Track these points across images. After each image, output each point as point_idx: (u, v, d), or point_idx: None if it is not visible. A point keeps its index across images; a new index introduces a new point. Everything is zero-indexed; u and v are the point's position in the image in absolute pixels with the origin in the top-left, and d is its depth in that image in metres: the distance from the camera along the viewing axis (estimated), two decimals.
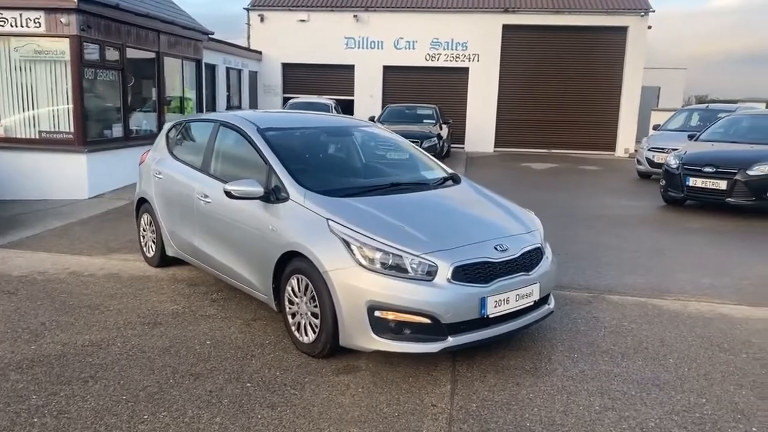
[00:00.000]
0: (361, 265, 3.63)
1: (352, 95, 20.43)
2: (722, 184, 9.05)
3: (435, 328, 3.60)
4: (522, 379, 3.75)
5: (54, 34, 9.71)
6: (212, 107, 17.07)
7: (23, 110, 10.09)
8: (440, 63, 20.13)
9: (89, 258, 6.39)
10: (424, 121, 16.16)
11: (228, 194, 4.31)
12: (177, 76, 13.90)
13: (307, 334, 3.97)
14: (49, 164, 9.89)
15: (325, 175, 4.59)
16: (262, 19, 20.42)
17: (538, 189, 12.30)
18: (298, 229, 4.02)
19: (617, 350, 4.23)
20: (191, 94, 14.49)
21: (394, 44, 20.12)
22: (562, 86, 20.03)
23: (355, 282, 3.61)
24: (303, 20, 20.13)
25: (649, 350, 4.24)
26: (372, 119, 16.53)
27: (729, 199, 9.03)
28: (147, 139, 11.42)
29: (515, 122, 20.38)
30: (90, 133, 10.26)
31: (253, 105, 19.99)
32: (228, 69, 17.92)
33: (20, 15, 9.60)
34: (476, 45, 19.86)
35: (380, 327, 3.60)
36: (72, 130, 9.99)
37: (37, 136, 10.06)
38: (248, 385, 3.61)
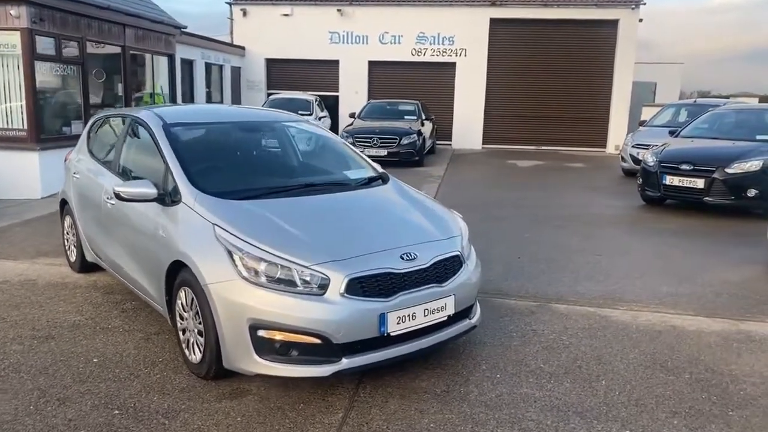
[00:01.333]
0: (243, 277, 3.22)
1: (337, 91, 19.99)
2: (700, 183, 8.59)
3: (326, 349, 3.19)
4: (427, 405, 3.34)
5: (4, 27, 9.33)
6: (191, 102, 16.68)
7: None
8: (426, 58, 19.67)
9: (14, 262, 6.01)
10: (406, 117, 15.72)
11: (117, 196, 3.92)
12: (147, 72, 13.53)
13: (194, 353, 3.58)
14: (2, 162, 9.52)
15: (228, 176, 4.18)
16: (244, 14, 20.00)
17: (516, 187, 11.87)
18: (185, 235, 3.62)
19: (546, 370, 3.81)
20: (164, 90, 14.11)
21: (380, 39, 19.67)
22: (552, 81, 19.55)
23: (237, 297, 3.21)
24: (286, 14, 19.69)
25: (582, 370, 3.82)
26: (353, 115, 16.12)
27: (707, 198, 8.57)
28: None
29: (503, 118, 19.92)
30: (45, 130, 9.89)
31: (236, 101, 19.58)
32: (207, 64, 17.52)
33: None
34: (463, 39, 19.39)
35: (264, 348, 3.20)
36: (25, 126, 9.62)
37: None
38: (116, 412, 3.21)
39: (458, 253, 3.73)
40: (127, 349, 4.01)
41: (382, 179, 4.60)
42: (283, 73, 20.43)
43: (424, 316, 3.41)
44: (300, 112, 16.41)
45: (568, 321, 4.65)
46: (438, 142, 18.68)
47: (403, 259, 3.41)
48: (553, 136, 19.78)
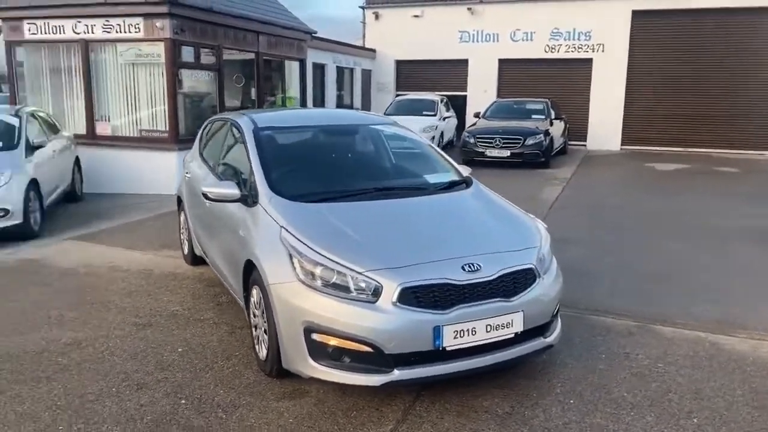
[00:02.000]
0: (300, 280, 3.25)
1: (466, 91, 19.75)
2: None
3: (378, 359, 3.13)
4: (484, 426, 3.15)
5: (151, 38, 10.30)
6: (321, 106, 17.35)
7: (127, 110, 10.85)
8: (560, 54, 18.79)
9: (139, 253, 6.60)
10: (533, 116, 15.12)
11: (205, 196, 4.14)
12: (279, 76, 14.28)
13: (262, 350, 3.68)
14: (147, 161, 10.52)
15: (305, 179, 4.25)
16: (377, 17, 20.42)
17: (649, 192, 10.94)
18: (257, 236, 3.73)
19: (629, 399, 3.44)
20: (296, 93, 14.80)
21: (511, 36, 19.13)
22: (702, 77, 17.76)
23: (294, 299, 3.24)
24: (417, 16, 19.81)
25: (671, 403, 3.40)
26: (477, 115, 15.84)
27: None
28: None
29: (646, 118, 18.45)
30: (183, 131, 10.78)
31: (366, 103, 20.07)
32: (339, 68, 18.12)
33: (123, 21, 10.28)
34: (601, 34, 18.26)
35: (318, 352, 3.20)
36: (166, 128, 10.56)
37: (138, 135, 10.76)
38: (183, 401, 3.39)
39: (531, 266, 3.48)
40: (211, 342, 4.22)
41: (465, 183, 4.43)
42: (412, 74, 20.59)
43: (487, 332, 3.22)
44: (424, 112, 16.49)
45: (670, 346, 4.17)
46: (571, 142, 17.80)
47: (464, 270, 3.25)
48: (704, 137, 17.98)
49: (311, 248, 3.31)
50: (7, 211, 6.75)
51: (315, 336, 3.18)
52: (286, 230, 3.49)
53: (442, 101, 17.30)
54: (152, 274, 5.83)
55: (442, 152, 4.89)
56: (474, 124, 15.22)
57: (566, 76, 18.92)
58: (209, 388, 3.54)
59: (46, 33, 10.83)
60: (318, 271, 3.22)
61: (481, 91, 19.22)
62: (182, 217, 6.19)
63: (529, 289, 3.41)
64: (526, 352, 3.45)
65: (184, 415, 3.24)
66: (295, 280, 3.26)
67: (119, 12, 10.21)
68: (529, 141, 13.67)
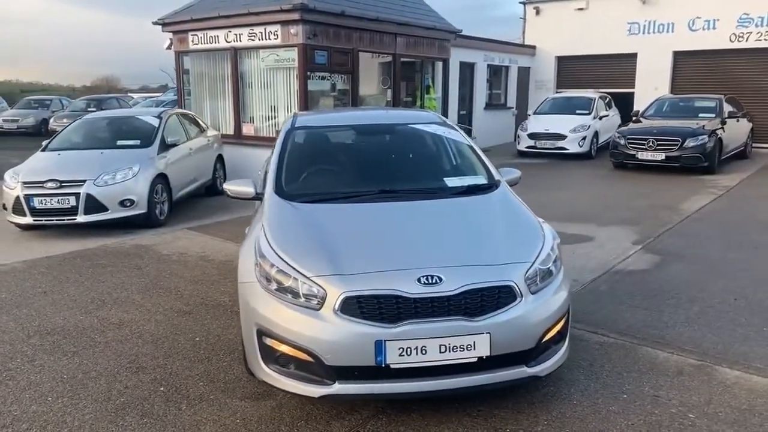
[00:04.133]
0: (259, 281, 3.22)
1: (632, 87, 17.99)
2: None
3: (319, 369, 2.98)
4: None
5: (287, 44, 10.95)
6: (469, 106, 17.06)
7: (268, 111, 11.69)
8: (749, 44, 16.26)
9: (233, 244, 7.04)
10: (701, 115, 13.31)
11: (225, 193, 4.29)
12: (419, 76, 14.31)
13: None
14: None
15: (315, 178, 4.20)
16: (537, 12, 19.47)
17: None
18: (248, 234, 3.77)
19: None
20: (438, 94, 14.73)
21: (689, 25, 17.00)
22: None
23: (251, 299, 3.22)
24: (581, 8, 18.51)
25: None
26: (636, 114, 14.39)
27: None
28: None
29: None
30: None
31: (521, 101, 19.25)
32: (491, 66, 17.62)
33: (264, 29, 11.08)
34: None
35: (269, 356, 3.14)
36: None
37: (275, 135, 11.51)
38: (161, 389, 3.55)
39: (510, 283, 3.06)
40: (228, 335, 4.37)
41: (492, 188, 4.04)
42: (573, 70, 19.31)
43: (440, 352, 2.90)
44: (578, 111, 15.46)
45: (723, 393, 3.40)
46: (759, 145, 15.41)
47: (420, 282, 2.95)
48: None
49: (273, 249, 3.26)
50: (132, 202, 7.63)
51: (266, 340, 3.12)
52: (263, 229, 3.48)
53: (602, 99, 16.02)
54: (230, 264, 6.19)
55: (481, 154, 4.50)
56: (627, 124, 13.85)
57: (756, 69, 16.36)
58: (192, 380, 3.66)
59: (205, 43, 12.08)
60: (273, 272, 3.16)
61: (652, 88, 17.37)
62: None
63: (502, 309, 3.00)
64: (497, 380, 3.05)
65: (151, 402, 3.39)
66: (255, 281, 3.24)
67: (261, 21, 11.01)
68: (689, 143, 12.06)
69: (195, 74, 12.81)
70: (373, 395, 2.99)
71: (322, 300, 2.98)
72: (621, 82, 18.22)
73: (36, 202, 7.30)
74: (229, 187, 4.24)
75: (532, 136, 15.11)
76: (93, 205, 7.38)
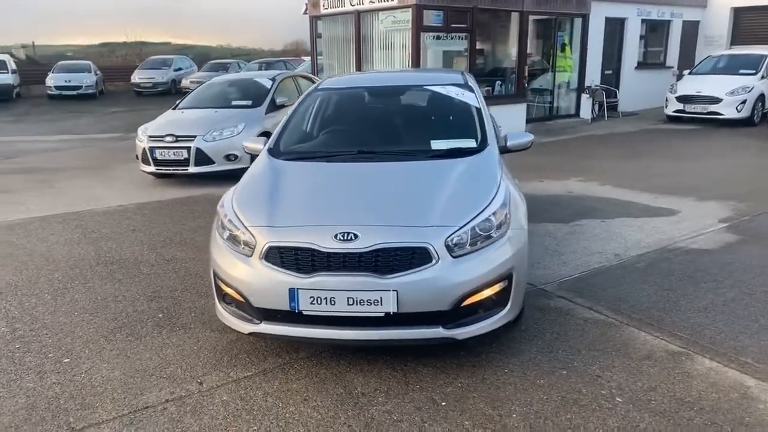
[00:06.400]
0: (216, 228, 3.61)
1: None
2: None
3: (248, 309, 3.32)
4: (310, 393, 3.06)
5: (402, 5, 11.10)
6: (617, 66, 15.78)
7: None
8: None
9: None
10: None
11: (244, 149, 4.72)
12: (552, 35, 13.58)
13: None
14: None
15: (308, 138, 4.44)
16: None
17: None
18: None
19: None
20: (573, 54, 13.89)
21: None
22: None
23: (211, 246, 3.63)
24: None
25: None
26: None
27: None
28: (495, 100, 11.96)
29: None
30: None
31: (685, 60, 17.23)
32: (645, 21, 16.00)
33: None
34: None
35: (220, 295, 3.53)
36: None
37: None
38: (159, 316, 4.14)
39: (425, 245, 3.10)
40: None
41: (478, 152, 3.99)
42: (752, 24, 16.81)
43: (348, 304, 3.07)
44: (741, 71, 13.67)
45: (677, 383, 3.13)
46: None
47: (336, 238, 3.13)
48: None
49: (231, 201, 3.63)
50: (236, 156, 8.48)
51: (219, 282, 3.51)
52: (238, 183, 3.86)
53: None
54: None
55: (486, 117, 4.38)
56: None
57: None
58: (187, 312, 4.18)
59: (334, 7, 12.67)
60: (225, 221, 3.53)
61: None
62: None
63: (414, 270, 3.07)
64: (407, 337, 3.15)
65: (143, 326, 3.99)
66: (215, 230, 3.63)
67: None
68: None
69: (326, 38, 13.51)
70: (290, 337, 3.26)
71: (253, 248, 3.28)
72: None
73: (157, 154, 8.46)
74: (246, 144, 4.67)
75: (681, 99, 13.66)
76: (202, 157, 8.37)
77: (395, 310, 3.06)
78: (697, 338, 3.62)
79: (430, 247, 3.11)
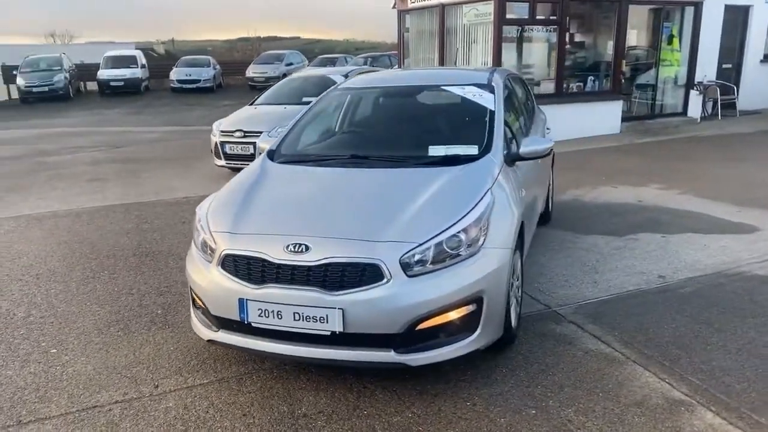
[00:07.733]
0: (194, 231, 3.60)
1: None
2: None
3: (209, 317, 3.28)
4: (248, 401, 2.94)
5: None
6: (738, 59, 14.18)
7: (466, 64, 11.66)
8: None
9: None
10: None
11: (259, 149, 4.71)
12: (657, 25, 12.45)
13: None
14: None
15: (308, 140, 4.31)
16: None
17: None
18: None
19: None
20: (683, 48, 12.65)
21: None
22: None
23: (189, 251, 3.61)
24: None
25: None
26: None
27: None
28: (586, 96, 11.29)
29: None
30: None
31: None
32: None
33: None
34: None
35: (194, 303, 3.51)
36: None
37: None
38: (159, 311, 4.22)
39: (376, 262, 2.87)
40: None
41: (475, 160, 3.67)
42: None
43: (294, 320, 2.94)
44: None
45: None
46: None
47: (287, 249, 2.99)
48: None
49: (209, 203, 3.60)
50: None
51: (190, 286, 3.50)
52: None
53: None
54: None
55: (498, 121, 4.00)
56: None
57: None
58: (183, 310, 4.21)
59: (420, 0, 12.47)
60: (198, 225, 3.50)
61: None
62: None
63: (363, 288, 2.86)
64: (357, 359, 2.95)
65: (137, 321, 4.09)
66: (193, 231, 3.62)
67: None
68: None
69: (412, 32, 13.34)
70: (243, 348, 3.17)
71: (213, 254, 3.23)
72: None
73: (227, 148, 8.76)
74: (260, 143, 4.65)
75: None
76: None
77: (341, 330, 2.88)
78: (711, 385, 3.09)
79: (382, 265, 2.89)
